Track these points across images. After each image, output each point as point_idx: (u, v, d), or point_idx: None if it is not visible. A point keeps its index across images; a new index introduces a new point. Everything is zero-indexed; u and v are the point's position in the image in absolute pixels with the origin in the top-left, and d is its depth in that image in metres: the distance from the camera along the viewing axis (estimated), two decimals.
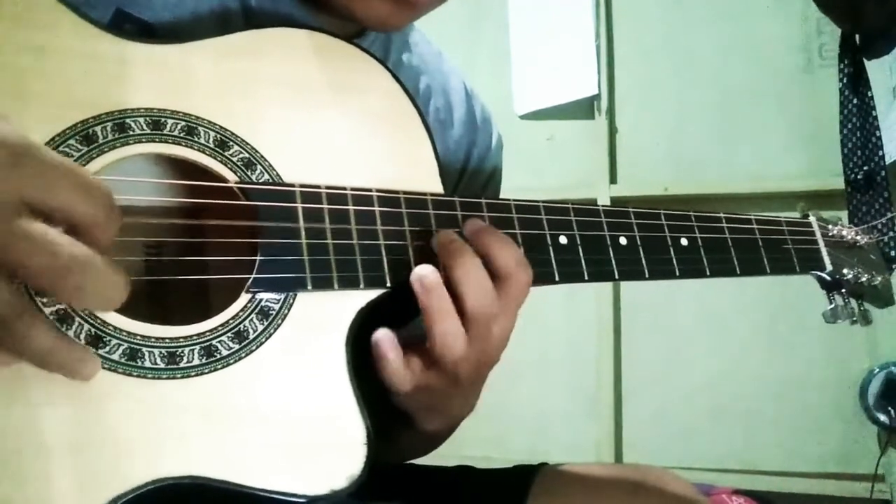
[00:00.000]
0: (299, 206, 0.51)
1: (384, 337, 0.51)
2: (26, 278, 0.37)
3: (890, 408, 1.65)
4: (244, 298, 0.48)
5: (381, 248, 0.52)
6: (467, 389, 0.58)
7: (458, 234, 0.54)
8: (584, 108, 1.96)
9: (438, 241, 0.53)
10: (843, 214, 0.89)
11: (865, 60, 1.06)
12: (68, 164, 0.37)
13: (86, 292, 0.37)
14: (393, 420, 0.60)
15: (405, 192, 0.55)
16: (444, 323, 0.51)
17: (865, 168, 1.06)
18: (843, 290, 0.76)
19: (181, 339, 0.45)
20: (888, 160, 1.09)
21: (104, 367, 0.42)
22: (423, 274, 0.51)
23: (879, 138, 1.08)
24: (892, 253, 0.86)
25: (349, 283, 0.50)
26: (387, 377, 0.52)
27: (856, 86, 1.09)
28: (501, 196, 0.61)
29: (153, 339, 0.44)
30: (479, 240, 0.53)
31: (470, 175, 0.82)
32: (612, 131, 1.95)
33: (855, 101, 1.10)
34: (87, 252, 0.36)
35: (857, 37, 1.05)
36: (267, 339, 0.47)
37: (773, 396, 1.78)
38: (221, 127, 0.51)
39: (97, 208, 0.37)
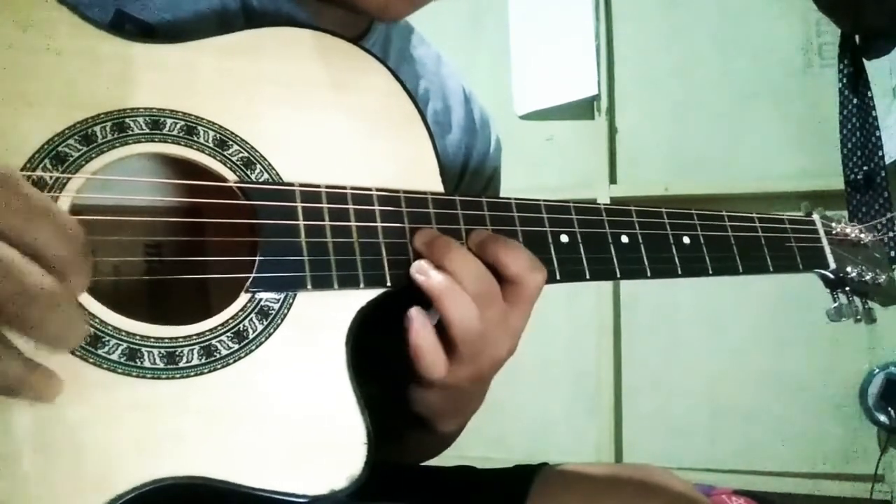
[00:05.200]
0: (299, 205, 0.50)
1: (417, 314, 0.51)
2: None
3: (890, 408, 1.65)
4: (244, 298, 0.48)
5: (381, 248, 0.52)
6: (485, 386, 0.58)
7: (448, 234, 0.54)
8: (584, 108, 1.96)
9: (421, 242, 0.53)
10: (844, 214, 0.89)
11: (865, 60, 1.06)
12: (46, 201, 0.37)
13: (45, 326, 0.36)
14: (407, 423, 0.60)
15: (405, 191, 0.55)
16: (459, 305, 0.50)
17: (865, 168, 1.06)
18: (847, 289, 0.76)
19: (180, 339, 0.45)
20: (888, 160, 1.09)
21: (103, 368, 0.42)
22: (424, 265, 0.51)
23: (879, 138, 1.08)
24: (893, 253, 0.85)
25: (349, 282, 0.50)
26: (422, 361, 0.51)
27: (856, 86, 1.08)
28: (501, 196, 0.61)
29: (152, 339, 0.44)
30: (486, 249, 0.53)
31: (469, 177, 0.82)
32: (612, 131, 1.95)
33: (855, 101, 1.09)
34: (52, 284, 0.36)
35: (857, 37, 1.04)
36: (267, 338, 0.47)
37: (773, 397, 1.78)
38: (221, 126, 0.51)
39: (70, 249, 0.37)
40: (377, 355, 0.53)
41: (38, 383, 0.39)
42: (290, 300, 0.49)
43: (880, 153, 1.07)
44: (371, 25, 0.72)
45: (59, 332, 0.37)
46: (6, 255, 0.35)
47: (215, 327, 0.46)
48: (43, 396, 0.40)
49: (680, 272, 0.63)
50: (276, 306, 0.48)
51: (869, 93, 1.08)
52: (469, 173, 0.82)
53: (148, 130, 0.48)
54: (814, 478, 1.72)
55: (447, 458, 0.76)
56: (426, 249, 0.52)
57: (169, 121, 0.49)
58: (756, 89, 1.85)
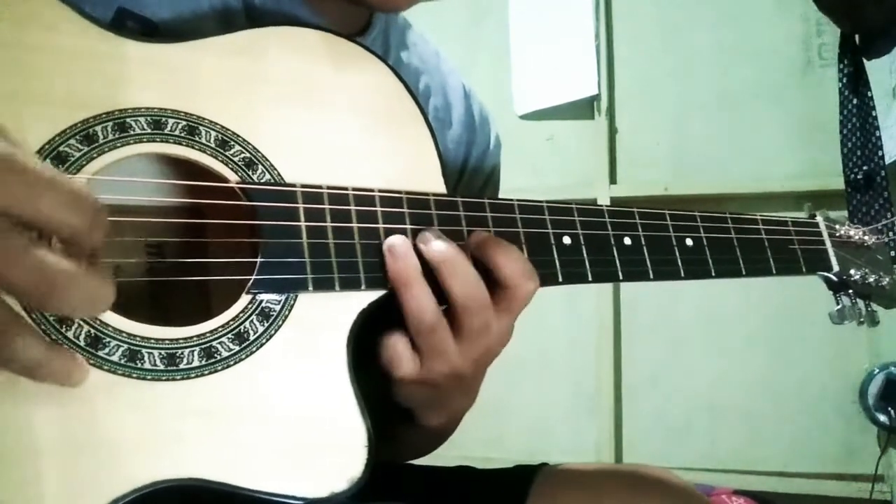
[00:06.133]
0: (300, 206, 0.50)
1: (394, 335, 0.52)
2: (8, 290, 0.35)
3: (890, 408, 1.65)
4: (245, 299, 0.47)
5: (383, 249, 0.52)
6: (468, 383, 0.58)
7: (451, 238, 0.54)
8: (584, 108, 1.96)
9: (418, 241, 0.52)
10: (846, 215, 0.89)
11: (865, 60, 1.06)
12: (53, 173, 0.36)
13: (70, 303, 0.36)
14: (396, 418, 0.60)
15: (407, 192, 0.54)
16: (413, 288, 0.50)
17: (865, 168, 1.06)
18: (850, 291, 0.76)
19: (181, 341, 0.45)
20: (888, 160, 1.09)
21: (104, 369, 0.42)
22: (393, 243, 0.51)
23: (879, 138, 1.07)
24: (893, 254, 0.85)
25: (350, 283, 0.50)
26: (389, 365, 0.52)
27: (856, 86, 1.08)
28: (501, 196, 0.61)
29: (153, 341, 0.44)
30: (484, 251, 0.53)
31: (469, 174, 0.82)
32: (612, 131, 1.95)
33: (855, 101, 1.09)
34: (68, 265, 0.35)
35: (857, 37, 1.04)
36: (268, 340, 0.47)
37: (773, 396, 1.79)
38: (223, 126, 0.51)
39: (83, 219, 0.36)
40: (372, 354, 0.53)
41: (62, 365, 0.39)
42: (292, 301, 0.49)
43: (880, 153, 1.06)
44: (371, 21, 0.72)
45: (82, 304, 0.37)
46: (15, 240, 0.34)
47: (216, 329, 0.46)
48: (68, 380, 0.40)
49: (683, 274, 0.63)
50: (278, 308, 0.48)
51: (869, 93, 1.08)
52: (469, 171, 0.82)
53: (149, 130, 0.48)
54: (814, 478, 1.72)
55: (447, 458, 0.76)
56: (423, 250, 0.52)
57: (170, 121, 0.49)
58: (756, 89, 1.85)
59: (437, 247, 0.51)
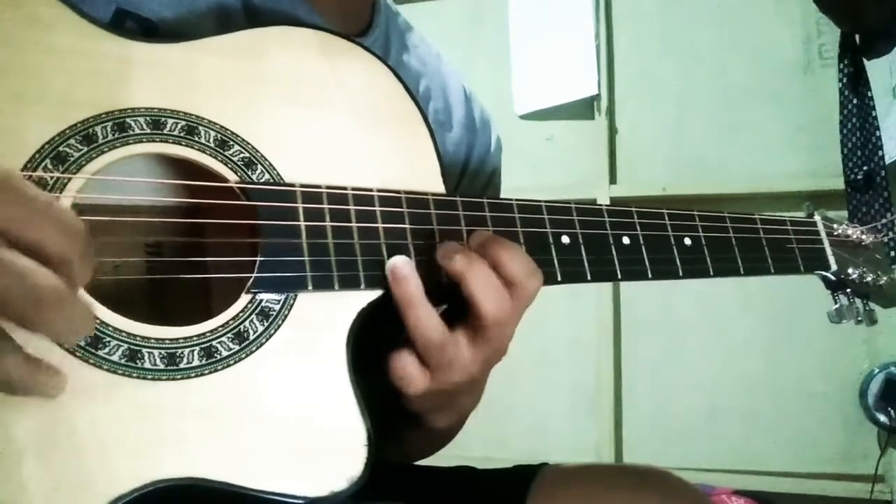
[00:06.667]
0: (300, 206, 0.50)
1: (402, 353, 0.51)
2: None
3: (890, 408, 1.65)
4: (244, 299, 0.48)
5: (382, 248, 0.52)
6: (474, 384, 0.58)
7: (461, 244, 0.54)
8: (584, 108, 1.96)
9: (443, 254, 0.52)
10: (845, 215, 0.89)
11: (865, 60, 1.06)
12: (46, 198, 0.37)
13: (54, 323, 0.36)
14: (402, 421, 0.60)
15: (406, 192, 0.54)
16: (417, 309, 0.50)
17: (865, 168, 1.06)
18: (848, 290, 0.76)
19: (181, 340, 0.45)
20: (888, 160, 1.09)
21: (103, 369, 0.42)
22: (396, 265, 0.51)
23: (879, 138, 1.07)
24: (893, 254, 0.85)
25: (350, 283, 0.50)
26: (400, 383, 0.51)
27: (856, 86, 1.08)
28: (502, 196, 0.61)
29: (153, 340, 0.44)
30: (487, 250, 0.53)
31: (469, 177, 0.82)
32: (612, 131, 1.95)
33: (855, 101, 1.09)
34: (58, 283, 0.36)
35: (857, 37, 1.04)
36: (267, 339, 0.47)
37: (773, 397, 1.78)
38: (222, 126, 0.51)
39: (71, 246, 0.37)
40: (373, 353, 0.53)
41: (41, 380, 0.39)
42: (291, 301, 0.49)
43: (880, 153, 1.06)
44: (371, 23, 0.72)
45: (66, 328, 0.37)
46: (8, 256, 0.35)
47: (216, 328, 0.46)
48: (46, 393, 0.40)
49: (681, 273, 0.63)
50: (277, 307, 0.48)
51: (869, 93, 1.08)
52: (469, 173, 0.82)
53: (149, 130, 0.48)
54: (814, 478, 1.72)
55: (447, 458, 0.76)
56: (448, 263, 0.52)
57: (170, 121, 0.49)
58: (756, 89, 1.85)
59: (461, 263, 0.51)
